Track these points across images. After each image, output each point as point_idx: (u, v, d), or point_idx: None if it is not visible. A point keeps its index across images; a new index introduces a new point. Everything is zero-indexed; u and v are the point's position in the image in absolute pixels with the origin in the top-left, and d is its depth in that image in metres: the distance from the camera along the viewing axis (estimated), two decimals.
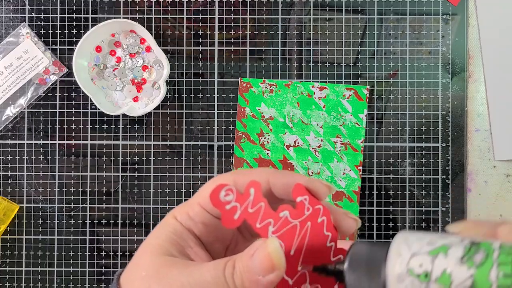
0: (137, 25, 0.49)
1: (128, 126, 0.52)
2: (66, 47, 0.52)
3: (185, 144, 0.52)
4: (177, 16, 0.52)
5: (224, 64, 0.52)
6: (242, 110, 0.52)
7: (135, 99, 0.52)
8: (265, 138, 0.51)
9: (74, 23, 0.52)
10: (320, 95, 0.51)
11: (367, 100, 0.51)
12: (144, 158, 0.52)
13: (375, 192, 0.52)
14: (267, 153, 0.51)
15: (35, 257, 0.52)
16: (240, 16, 0.52)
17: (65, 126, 0.52)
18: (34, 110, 0.52)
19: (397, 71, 0.52)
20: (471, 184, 0.52)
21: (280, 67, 0.52)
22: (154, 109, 0.51)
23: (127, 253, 0.52)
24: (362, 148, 0.51)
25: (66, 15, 0.52)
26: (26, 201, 0.52)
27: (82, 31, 0.52)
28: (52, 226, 0.52)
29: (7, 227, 0.51)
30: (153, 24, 0.52)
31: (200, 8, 0.52)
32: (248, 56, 0.52)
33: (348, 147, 0.51)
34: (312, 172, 0.51)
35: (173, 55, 0.52)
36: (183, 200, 0.52)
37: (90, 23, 0.52)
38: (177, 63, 0.52)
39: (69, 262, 0.52)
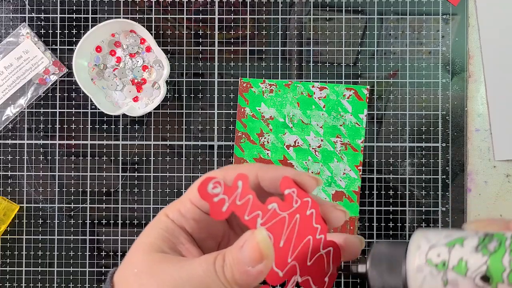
0: (137, 25, 0.49)
1: (128, 126, 0.52)
2: (66, 47, 0.52)
3: (185, 144, 0.52)
4: (177, 16, 0.52)
5: (224, 64, 0.52)
6: (242, 110, 0.52)
7: (135, 99, 0.52)
8: (265, 138, 0.51)
9: (74, 23, 0.52)
10: (320, 95, 0.51)
11: (367, 100, 0.51)
12: (144, 158, 0.52)
13: (375, 192, 0.52)
14: (267, 153, 0.51)
15: (35, 257, 0.52)
16: (240, 16, 0.52)
17: (65, 126, 0.52)
18: (34, 110, 0.52)
19: (397, 71, 0.52)
20: (471, 184, 0.52)
21: (280, 67, 0.52)
22: (154, 109, 0.51)
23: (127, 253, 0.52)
24: (362, 148, 0.51)
25: (66, 15, 0.52)
26: (26, 201, 0.52)
27: (82, 31, 0.52)
28: (52, 226, 0.52)
29: (7, 227, 0.51)
30: (153, 24, 0.52)
31: (200, 8, 0.52)
32: (248, 56, 0.52)
33: (348, 147, 0.51)
34: (312, 172, 0.51)
35: (173, 55, 0.52)
36: None
37: (90, 23, 0.52)
38: (177, 63, 0.52)
39: (69, 262, 0.52)
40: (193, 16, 0.52)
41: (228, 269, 0.23)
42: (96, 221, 0.52)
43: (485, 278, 0.20)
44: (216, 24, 0.52)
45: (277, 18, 0.52)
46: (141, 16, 0.52)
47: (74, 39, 0.52)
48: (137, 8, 0.52)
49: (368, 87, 0.51)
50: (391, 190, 0.52)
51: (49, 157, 0.52)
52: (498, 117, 0.51)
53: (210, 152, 0.52)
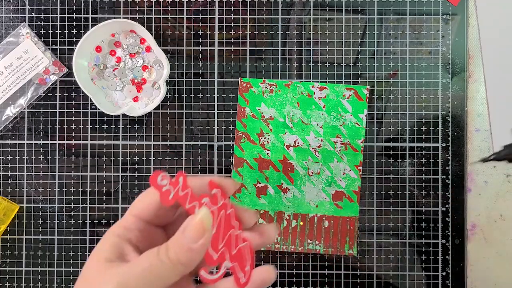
0: (137, 25, 0.49)
1: (128, 126, 0.52)
2: (66, 47, 0.52)
3: (185, 144, 0.52)
4: (177, 16, 0.52)
5: (224, 64, 0.52)
6: (242, 110, 0.52)
7: (135, 99, 0.52)
8: (265, 138, 0.51)
9: (74, 23, 0.52)
10: (320, 95, 0.51)
11: (367, 100, 0.51)
12: (144, 158, 0.52)
13: (375, 192, 0.52)
14: (267, 153, 0.51)
15: (35, 257, 0.52)
16: (240, 16, 0.52)
17: (65, 126, 0.52)
18: (34, 110, 0.52)
19: (397, 71, 0.52)
20: (471, 184, 0.52)
21: (280, 67, 0.52)
22: (154, 109, 0.51)
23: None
24: (362, 148, 0.51)
25: (66, 15, 0.52)
26: (26, 201, 0.52)
27: (82, 31, 0.52)
28: (52, 226, 0.52)
29: (7, 227, 0.51)
30: (153, 24, 0.52)
31: (200, 8, 0.52)
32: (248, 56, 0.52)
33: (348, 147, 0.51)
34: (312, 172, 0.51)
35: (173, 55, 0.52)
36: None
37: (90, 23, 0.52)
38: (177, 63, 0.52)
39: (69, 262, 0.52)
40: (193, 16, 0.52)
41: (171, 252, 0.26)
42: (96, 221, 0.52)
43: None
44: (216, 24, 0.52)
45: (277, 18, 0.52)
46: (141, 16, 0.52)
47: (74, 39, 0.52)
48: (137, 8, 0.52)
49: (368, 87, 0.51)
50: (391, 190, 0.52)
51: (49, 157, 0.52)
52: (498, 117, 0.51)
53: (210, 152, 0.52)
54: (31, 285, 0.51)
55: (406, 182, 0.52)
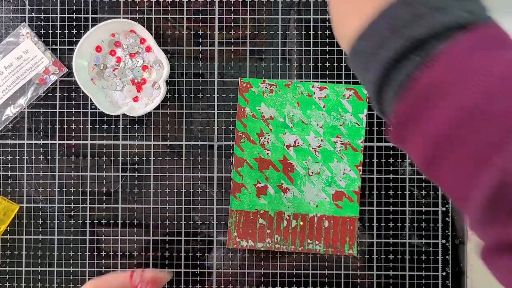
0: (137, 25, 0.49)
1: (128, 126, 0.52)
2: (66, 47, 0.52)
3: (185, 144, 0.52)
4: (177, 16, 0.52)
5: (224, 64, 0.52)
6: (242, 110, 0.52)
7: (135, 99, 0.52)
8: (265, 138, 0.51)
9: (74, 23, 0.52)
10: (320, 95, 0.51)
11: (367, 100, 0.51)
12: (144, 158, 0.52)
13: (375, 192, 0.52)
14: (267, 153, 0.51)
15: (35, 257, 0.52)
16: (240, 16, 0.52)
17: (65, 126, 0.52)
18: (34, 110, 0.52)
19: None
20: None
21: (280, 67, 0.52)
22: (154, 109, 0.51)
23: (127, 253, 0.52)
24: (362, 148, 0.51)
25: (66, 15, 0.52)
26: (26, 201, 0.52)
27: (82, 31, 0.52)
28: (52, 226, 0.52)
29: (7, 227, 0.51)
30: (153, 24, 0.52)
31: (200, 8, 0.52)
32: (248, 56, 0.52)
33: (348, 147, 0.51)
34: (312, 172, 0.51)
35: (173, 55, 0.52)
36: (183, 200, 0.52)
37: (90, 23, 0.52)
38: (177, 63, 0.52)
39: (69, 262, 0.52)
40: (193, 16, 0.52)
41: None
42: (96, 221, 0.52)
43: None
44: (216, 24, 0.52)
45: (277, 18, 0.52)
46: (141, 16, 0.52)
47: (74, 39, 0.52)
48: (137, 8, 0.52)
49: None
50: (391, 190, 0.52)
51: (49, 157, 0.52)
52: None
53: (210, 152, 0.52)
54: (31, 285, 0.51)
55: (406, 182, 0.52)
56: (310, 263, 0.52)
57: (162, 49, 0.50)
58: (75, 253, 0.52)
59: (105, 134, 0.52)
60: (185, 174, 0.52)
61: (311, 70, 0.52)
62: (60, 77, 0.52)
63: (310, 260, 0.52)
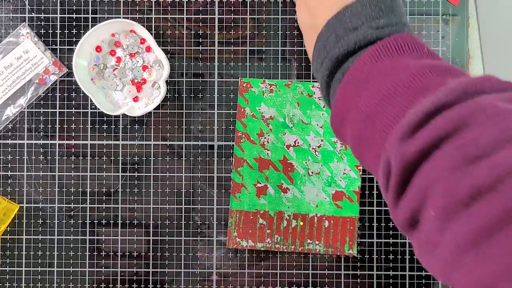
0: (137, 25, 0.49)
1: (128, 126, 0.52)
2: (66, 47, 0.52)
3: (185, 144, 0.52)
4: (177, 16, 0.52)
5: (224, 64, 0.52)
6: (242, 110, 0.52)
7: (135, 99, 0.52)
8: (265, 138, 0.51)
9: (74, 23, 0.52)
10: (320, 95, 0.51)
11: None
12: (144, 158, 0.52)
13: (375, 192, 0.52)
14: (267, 153, 0.51)
15: (35, 257, 0.52)
16: (240, 16, 0.52)
17: (65, 126, 0.52)
18: (34, 110, 0.52)
19: None
20: None
21: (280, 67, 0.52)
22: (154, 109, 0.51)
23: (127, 253, 0.52)
24: None
25: (66, 15, 0.52)
26: (26, 201, 0.52)
27: (82, 31, 0.52)
28: (52, 226, 0.52)
29: (7, 227, 0.51)
30: (153, 24, 0.52)
31: (200, 8, 0.52)
32: (248, 56, 0.52)
33: (348, 147, 0.51)
34: (312, 172, 0.51)
35: (173, 55, 0.52)
36: (183, 200, 0.52)
37: (90, 23, 0.52)
38: (177, 63, 0.52)
39: (69, 262, 0.52)
40: (193, 16, 0.52)
41: None
42: (96, 221, 0.52)
43: None
44: (216, 24, 0.52)
45: (277, 18, 0.52)
46: (141, 16, 0.52)
47: (74, 39, 0.52)
48: (137, 8, 0.52)
49: None
50: None
51: (49, 157, 0.52)
52: None
53: (210, 152, 0.52)
54: (31, 285, 0.51)
55: None
56: (310, 263, 0.52)
57: (162, 49, 0.50)
58: (75, 253, 0.52)
59: (105, 134, 0.52)
60: (185, 174, 0.52)
61: (311, 70, 0.52)
62: (60, 77, 0.52)
63: (310, 260, 0.52)
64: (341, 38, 0.34)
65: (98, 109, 0.50)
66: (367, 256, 0.51)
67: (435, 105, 0.26)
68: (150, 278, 0.51)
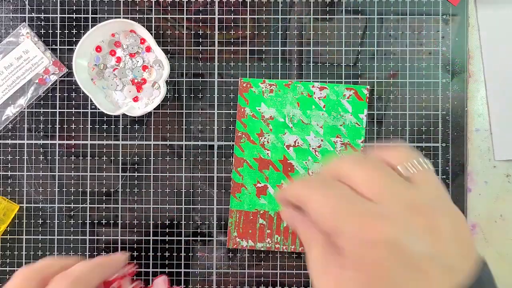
0: (137, 25, 0.49)
1: (128, 126, 0.52)
2: (66, 47, 0.52)
3: (185, 144, 0.52)
4: (177, 16, 0.52)
5: (224, 64, 0.52)
6: (242, 110, 0.52)
7: (135, 99, 0.52)
8: (265, 138, 0.51)
9: (74, 23, 0.52)
10: (320, 95, 0.51)
11: (367, 100, 0.51)
12: (144, 158, 0.52)
13: None
14: (267, 153, 0.51)
15: (35, 257, 0.52)
16: (240, 16, 0.52)
17: (65, 126, 0.52)
18: (34, 110, 0.52)
19: (397, 72, 0.52)
20: (471, 184, 0.52)
21: (280, 67, 0.52)
22: (154, 109, 0.51)
23: (127, 253, 0.52)
24: (362, 148, 0.51)
25: (66, 15, 0.52)
26: (26, 201, 0.52)
27: (82, 31, 0.52)
28: (52, 226, 0.52)
29: (7, 227, 0.51)
30: (153, 24, 0.52)
31: (200, 8, 0.52)
32: (248, 56, 0.52)
33: (348, 147, 0.51)
34: (312, 172, 0.51)
35: (173, 55, 0.52)
36: (183, 200, 0.52)
37: (90, 23, 0.52)
38: (177, 63, 0.52)
39: None
40: (193, 16, 0.52)
41: None
42: (96, 221, 0.52)
43: None
44: (216, 24, 0.52)
45: (277, 18, 0.52)
46: (141, 16, 0.52)
47: (74, 39, 0.52)
48: (137, 8, 0.52)
49: (368, 87, 0.51)
50: None
51: (49, 157, 0.52)
52: (498, 117, 0.51)
53: (210, 152, 0.52)
54: None
55: None
56: None
57: (162, 49, 0.50)
58: (75, 253, 0.52)
59: (105, 134, 0.52)
60: (185, 174, 0.52)
61: (311, 70, 0.52)
62: (60, 77, 0.52)
63: None
64: None
65: (98, 109, 0.50)
66: None
67: None
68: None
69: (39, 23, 0.52)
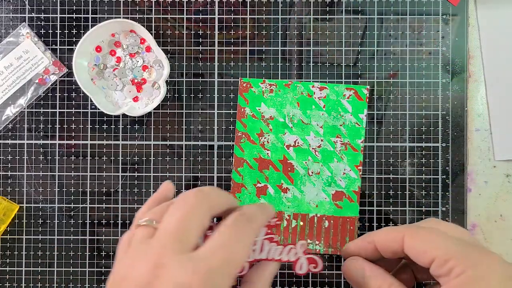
0: (137, 25, 0.49)
1: (128, 126, 0.52)
2: (66, 47, 0.52)
3: (185, 144, 0.52)
4: (177, 16, 0.52)
5: (224, 64, 0.52)
6: (242, 110, 0.52)
7: (135, 99, 0.52)
8: (265, 138, 0.51)
9: (74, 23, 0.52)
10: (320, 95, 0.51)
11: (367, 100, 0.51)
12: (144, 158, 0.52)
13: (375, 192, 0.52)
14: (267, 153, 0.51)
15: (35, 257, 0.52)
16: (240, 16, 0.52)
17: (65, 126, 0.52)
18: (34, 110, 0.52)
19: (397, 72, 0.52)
20: (471, 184, 0.52)
21: (280, 67, 0.52)
22: (154, 109, 0.51)
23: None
24: (362, 148, 0.51)
25: (66, 15, 0.52)
26: (26, 201, 0.52)
27: (82, 31, 0.52)
28: (52, 226, 0.52)
29: (7, 227, 0.51)
30: (153, 24, 0.52)
31: (200, 8, 0.52)
32: (248, 56, 0.52)
33: (348, 147, 0.51)
34: (312, 172, 0.51)
35: (173, 55, 0.52)
36: None
37: (90, 23, 0.52)
38: (177, 63, 0.52)
39: (69, 262, 0.52)
40: (193, 16, 0.52)
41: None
42: (96, 221, 0.52)
43: None
44: (216, 24, 0.52)
45: (277, 18, 0.52)
46: (141, 16, 0.52)
47: (74, 39, 0.52)
48: (137, 8, 0.52)
49: (368, 87, 0.51)
50: (391, 190, 0.52)
51: (49, 157, 0.52)
52: (498, 117, 0.51)
53: (210, 152, 0.52)
54: (31, 285, 0.51)
55: (406, 182, 0.52)
56: None
57: (162, 49, 0.50)
58: (75, 253, 0.52)
59: (105, 134, 0.52)
60: (185, 174, 0.52)
61: (311, 70, 0.52)
62: (60, 77, 0.52)
63: None
64: None
65: (98, 109, 0.50)
66: None
67: None
68: None
69: (39, 23, 0.52)
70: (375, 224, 0.51)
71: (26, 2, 0.52)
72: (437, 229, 0.33)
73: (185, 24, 0.52)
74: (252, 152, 0.51)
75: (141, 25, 0.50)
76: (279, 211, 0.51)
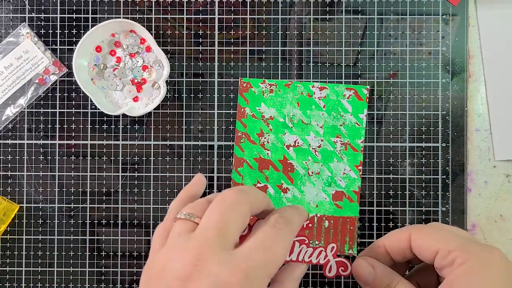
0: (137, 25, 0.49)
1: (128, 126, 0.52)
2: (66, 47, 0.52)
3: (185, 144, 0.52)
4: (177, 16, 0.52)
5: (224, 64, 0.52)
6: (242, 110, 0.52)
7: (135, 99, 0.52)
8: (265, 138, 0.51)
9: (74, 23, 0.52)
10: (320, 95, 0.51)
11: (367, 100, 0.51)
12: (144, 158, 0.52)
13: (375, 192, 0.52)
14: (267, 153, 0.51)
15: (35, 257, 0.52)
16: (240, 16, 0.52)
17: (65, 126, 0.52)
18: (34, 110, 0.52)
19: (397, 72, 0.52)
20: (471, 184, 0.52)
21: (280, 67, 0.52)
22: (154, 109, 0.51)
23: (127, 253, 0.52)
24: (362, 148, 0.51)
25: (66, 15, 0.52)
26: (26, 201, 0.52)
27: (82, 31, 0.52)
28: (52, 226, 0.52)
29: (7, 227, 0.51)
30: (153, 24, 0.52)
31: (200, 8, 0.52)
32: (248, 56, 0.52)
33: (348, 147, 0.51)
34: (312, 172, 0.51)
35: (173, 55, 0.52)
36: None
37: (90, 23, 0.52)
38: (177, 63, 0.52)
39: (69, 262, 0.52)
40: (193, 16, 0.52)
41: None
42: (96, 221, 0.52)
43: None
44: (216, 24, 0.52)
45: (277, 18, 0.52)
46: (141, 16, 0.52)
47: (74, 39, 0.52)
48: (137, 8, 0.52)
49: (368, 87, 0.51)
50: (391, 190, 0.52)
51: (49, 157, 0.52)
52: (498, 117, 0.51)
53: (210, 152, 0.52)
54: (31, 285, 0.51)
55: (406, 182, 0.52)
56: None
57: (162, 49, 0.50)
58: (75, 253, 0.52)
59: (105, 134, 0.52)
60: (185, 174, 0.52)
61: (311, 70, 0.52)
62: (60, 77, 0.52)
63: None
64: None
65: (98, 109, 0.50)
66: None
67: None
68: None
69: (39, 23, 0.52)
70: (375, 224, 0.51)
71: (26, 2, 0.52)
72: (441, 227, 0.34)
73: (185, 24, 0.52)
74: (252, 152, 0.51)
75: (141, 25, 0.50)
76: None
